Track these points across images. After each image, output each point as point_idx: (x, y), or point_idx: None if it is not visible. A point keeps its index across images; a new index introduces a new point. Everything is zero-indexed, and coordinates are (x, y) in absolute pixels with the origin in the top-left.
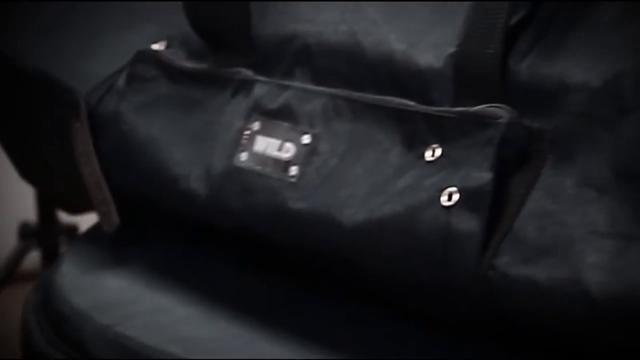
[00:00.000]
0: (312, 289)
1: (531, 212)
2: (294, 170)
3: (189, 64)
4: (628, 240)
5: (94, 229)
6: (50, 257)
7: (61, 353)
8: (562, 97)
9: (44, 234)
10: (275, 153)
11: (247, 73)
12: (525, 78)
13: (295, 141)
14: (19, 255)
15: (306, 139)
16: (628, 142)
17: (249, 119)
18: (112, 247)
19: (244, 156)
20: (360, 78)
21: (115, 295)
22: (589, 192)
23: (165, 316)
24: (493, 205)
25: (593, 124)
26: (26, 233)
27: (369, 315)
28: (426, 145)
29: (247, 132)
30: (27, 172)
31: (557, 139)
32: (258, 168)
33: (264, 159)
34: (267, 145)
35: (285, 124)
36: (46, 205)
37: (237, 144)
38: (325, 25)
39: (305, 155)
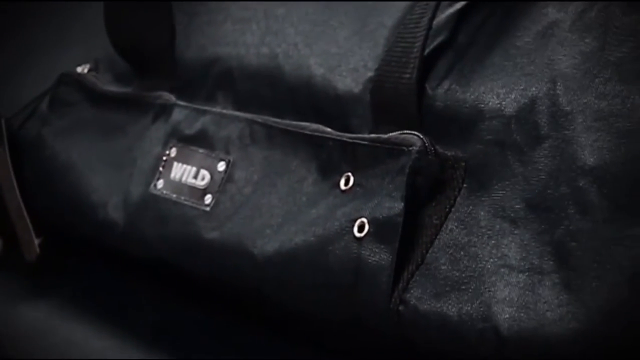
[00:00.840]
0: (228, 320)
1: (444, 244)
2: (208, 198)
3: (112, 88)
4: (539, 274)
5: (13, 256)
6: None
7: None
8: (477, 124)
9: None
10: (191, 180)
11: (168, 97)
12: (441, 104)
13: (211, 168)
14: None
15: (222, 166)
16: (540, 172)
17: (166, 144)
18: (30, 277)
19: (160, 184)
20: (280, 103)
21: (30, 327)
22: (502, 224)
23: (77, 349)
24: (404, 236)
25: (507, 153)
26: None
27: (282, 346)
28: (340, 174)
29: (165, 159)
30: None
31: (472, 168)
32: (174, 196)
33: (180, 186)
34: (183, 172)
35: (202, 151)
36: None
37: (155, 171)
38: (247, 47)
39: (220, 183)
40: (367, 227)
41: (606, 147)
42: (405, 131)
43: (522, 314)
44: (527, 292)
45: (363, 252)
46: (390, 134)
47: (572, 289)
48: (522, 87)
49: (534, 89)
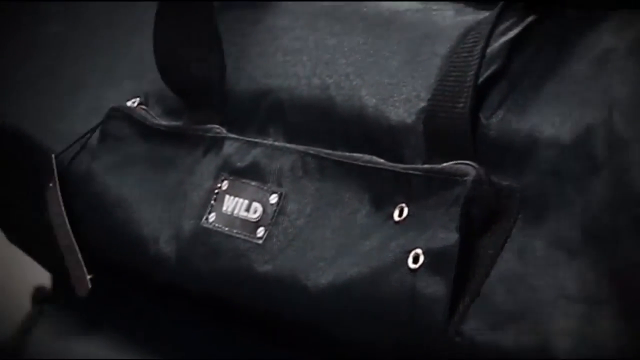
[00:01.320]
0: (282, 352)
1: (500, 275)
2: (261, 231)
3: (162, 122)
4: (598, 305)
5: (66, 291)
6: None
7: None
8: (532, 154)
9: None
10: (243, 213)
11: (219, 130)
12: (496, 133)
13: (263, 201)
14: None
15: (274, 198)
16: (598, 202)
17: (218, 178)
18: (82, 311)
19: (212, 217)
20: (333, 134)
21: None
22: (559, 254)
23: None
24: (460, 267)
25: (563, 182)
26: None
27: None
28: (394, 205)
29: (216, 192)
30: (10, 233)
31: (527, 198)
32: (226, 229)
33: (232, 219)
34: (235, 205)
35: (254, 183)
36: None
37: (207, 205)
38: (298, 79)
39: (273, 216)
40: (421, 259)
41: None
42: (459, 161)
43: (580, 345)
44: (585, 323)
45: (418, 283)
46: (444, 164)
47: (630, 320)
48: (577, 116)
49: (589, 117)
